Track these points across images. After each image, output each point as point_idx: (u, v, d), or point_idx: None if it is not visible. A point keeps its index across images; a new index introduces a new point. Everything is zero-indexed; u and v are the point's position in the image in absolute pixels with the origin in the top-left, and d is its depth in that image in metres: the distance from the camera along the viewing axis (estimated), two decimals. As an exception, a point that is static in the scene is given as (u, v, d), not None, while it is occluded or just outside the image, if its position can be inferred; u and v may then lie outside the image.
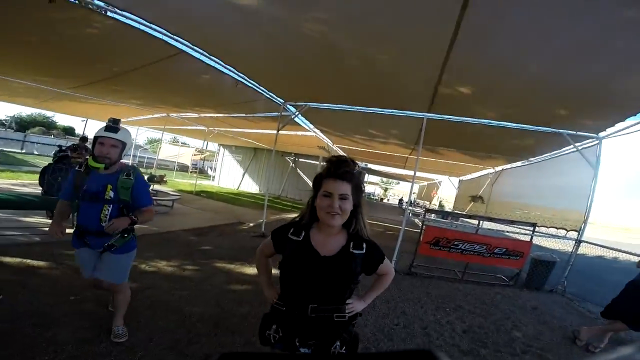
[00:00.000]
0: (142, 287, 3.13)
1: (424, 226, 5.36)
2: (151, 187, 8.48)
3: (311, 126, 8.50)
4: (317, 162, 12.97)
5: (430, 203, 18.31)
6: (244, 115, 8.02)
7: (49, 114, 33.84)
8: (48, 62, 5.19)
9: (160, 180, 9.78)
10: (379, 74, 4.10)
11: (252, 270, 4.15)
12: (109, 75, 5.61)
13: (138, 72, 5.15)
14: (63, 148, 5.77)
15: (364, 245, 1.27)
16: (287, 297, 1.30)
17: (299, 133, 9.28)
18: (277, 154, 7.21)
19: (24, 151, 20.67)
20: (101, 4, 3.32)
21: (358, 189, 1.25)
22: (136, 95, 7.45)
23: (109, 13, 3.45)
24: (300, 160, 16.04)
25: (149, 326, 2.46)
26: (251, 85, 5.55)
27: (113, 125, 1.96)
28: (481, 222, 5.45)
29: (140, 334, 2.33)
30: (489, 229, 6.74)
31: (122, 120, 2.08)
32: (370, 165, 17.78)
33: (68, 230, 2.12)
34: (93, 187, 1.95)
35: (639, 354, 0.41)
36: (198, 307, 2.89)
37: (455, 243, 5.05)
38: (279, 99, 6.28)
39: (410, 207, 8.33)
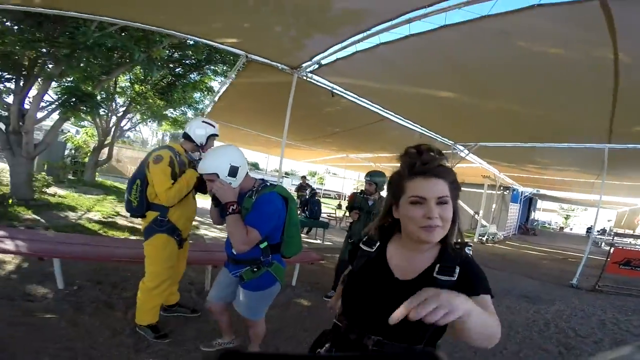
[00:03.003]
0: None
1: (612, 247, 5.53)
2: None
3: (477, 159, 9.54)
4: (481, 191, 13.17)
5: (633, 231, 14.58)
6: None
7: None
8: (301, 125, 7.24)
9: (350, 209, 13.02)
10: (550, 115, 4.76)
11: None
12: (329, 133, 8.32)
13: (350, 131, 7.66)
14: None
15: (457, 270, 0.83)
16: (346, 319, 0.95)
17: (464, 165, 10.35)
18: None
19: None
20: (350, 93, 5.25)
21: (456, 188, 0.87)
22: (337, 144, 10.27)
23: (348, 97, 5.32)
24: (462, 189, 16.62)
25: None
26: (428, 134, 7.47)
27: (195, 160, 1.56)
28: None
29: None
30: None
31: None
32: (543, 191, 16.22)
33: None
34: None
35: (639, 354, 0.43)
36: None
37: (650, 263, 5.06)
38: (449, 141, 7.93)
39: (601, 237, 7.91)
